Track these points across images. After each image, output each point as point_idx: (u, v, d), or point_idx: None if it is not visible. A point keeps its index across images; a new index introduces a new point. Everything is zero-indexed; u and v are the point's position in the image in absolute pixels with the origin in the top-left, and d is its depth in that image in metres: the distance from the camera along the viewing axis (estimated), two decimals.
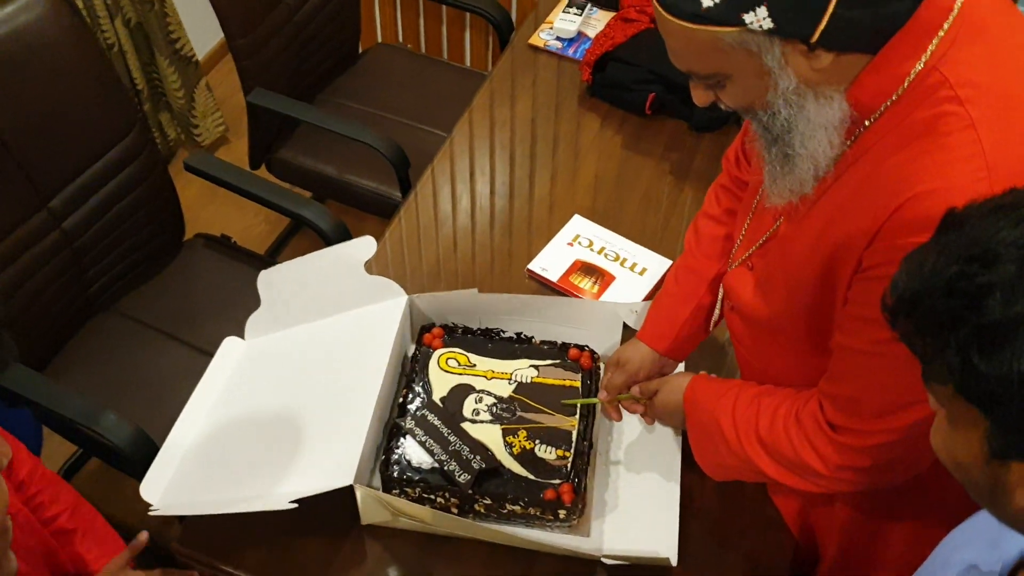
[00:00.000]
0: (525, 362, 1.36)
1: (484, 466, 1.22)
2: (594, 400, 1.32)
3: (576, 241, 1.60)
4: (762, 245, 1.09)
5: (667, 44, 0.91)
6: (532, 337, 1.40)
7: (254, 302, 1.42)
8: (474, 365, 1.36)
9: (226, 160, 1.93)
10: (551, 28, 2.03)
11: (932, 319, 0.63)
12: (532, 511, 1.20)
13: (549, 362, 1.36)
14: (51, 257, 1.64)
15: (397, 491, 1.22)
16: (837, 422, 0.99)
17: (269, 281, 1.38)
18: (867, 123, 0.90)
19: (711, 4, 0.82)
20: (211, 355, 1.40)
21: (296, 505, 1.14)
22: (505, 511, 1.21)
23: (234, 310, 1.53)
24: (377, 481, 1.25)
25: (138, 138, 1.74)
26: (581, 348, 1.38)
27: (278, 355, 1.38)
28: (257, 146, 2.17)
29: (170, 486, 1.22)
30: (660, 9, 0.86)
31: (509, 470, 1.23)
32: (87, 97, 1.64)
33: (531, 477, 1.22)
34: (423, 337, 1.39)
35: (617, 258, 1.57)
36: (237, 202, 2.50)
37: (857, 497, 1.15)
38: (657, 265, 1.56)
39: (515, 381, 1.33)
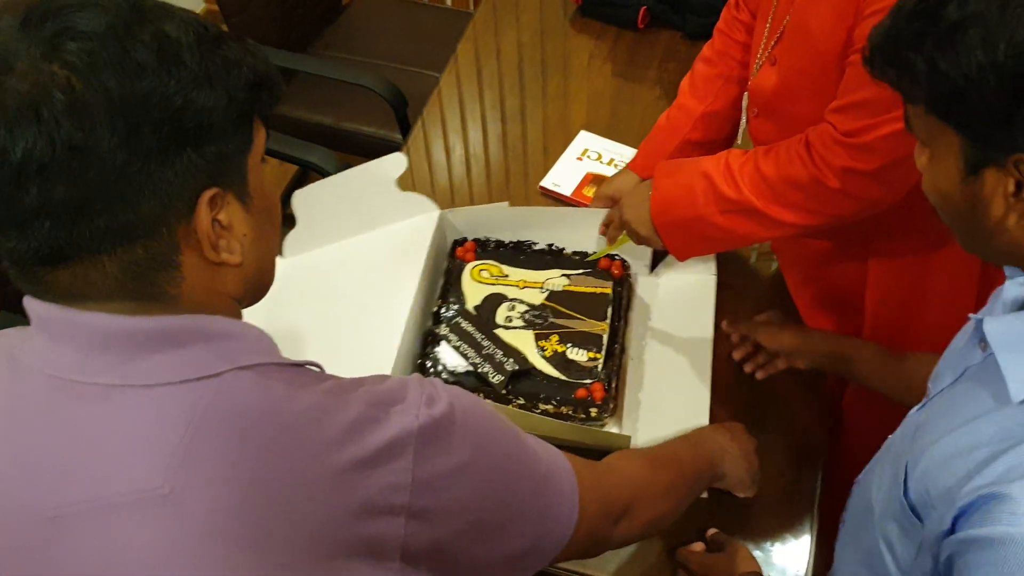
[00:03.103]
0: (557, 272, 1.38)
1: (517, 368, 1.24)
2: (612, 249, 1.38)
3: (585, 155, 1.62)
4: (782, 34, 1.14)
5: None
6: (563, 248, 1.42)
7: None
8: (507, 276, 1.38)
9: None
10: None
11: (903, 46, 0.69)
12: (564, 410, 1.22)
13: (580, 271, 1.38)
14: None
15: None
16: (848, 127, 1.03)
17: (304, 200, 1.38)
18: None
19: None
20: None
21: None
22: (538, 411, 1.23)
23: None
24: None
25: None
26: (612, 257, 1.40)
27: (317, 272, 1.39)
28: None
29: None
30: None
31: (541, 372, 1.26)
32: None
33: (563, 378, 1.25)
34: (455, 251, 1.42)
35: None
36: None
37: (885, 273, 1.28)
38: None
39: (547, 290, 1.36)
